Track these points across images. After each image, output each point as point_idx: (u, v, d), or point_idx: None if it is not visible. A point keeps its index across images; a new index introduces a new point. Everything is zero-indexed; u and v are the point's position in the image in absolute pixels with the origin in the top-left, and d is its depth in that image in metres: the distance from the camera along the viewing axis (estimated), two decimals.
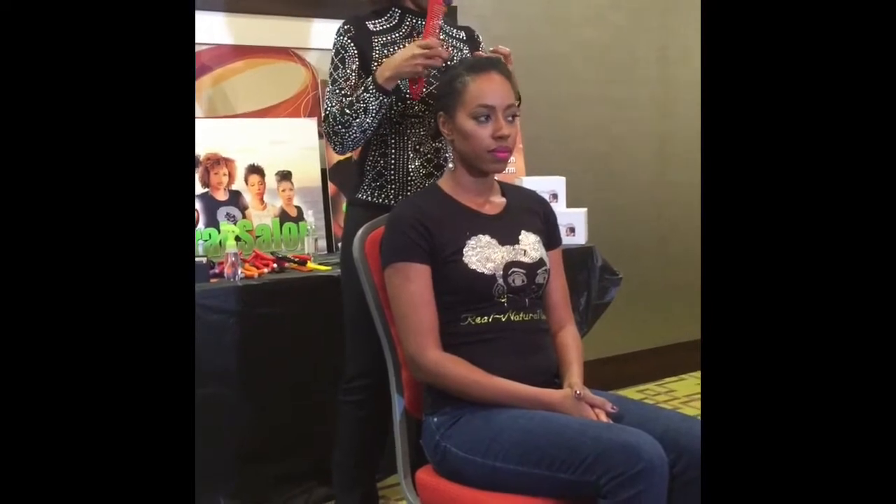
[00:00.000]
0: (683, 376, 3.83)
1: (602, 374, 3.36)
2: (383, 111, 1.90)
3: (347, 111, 1.87)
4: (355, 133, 1.89)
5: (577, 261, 2.75)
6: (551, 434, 1.47)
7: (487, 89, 1.66)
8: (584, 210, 2.83)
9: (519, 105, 1.74)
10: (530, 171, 3.13)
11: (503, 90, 1.68)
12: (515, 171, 3.10)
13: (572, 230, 2.80)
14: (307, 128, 2.76)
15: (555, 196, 2.80)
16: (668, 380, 3.79)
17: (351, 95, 1.91)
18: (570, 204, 2.85)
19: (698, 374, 3.85)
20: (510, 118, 1.68)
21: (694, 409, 3.34)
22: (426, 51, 1.81)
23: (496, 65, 1.72)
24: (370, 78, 1.87)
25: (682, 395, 3.59)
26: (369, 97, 1.85)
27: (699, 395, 3.55)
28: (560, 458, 1.43)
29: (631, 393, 3.56)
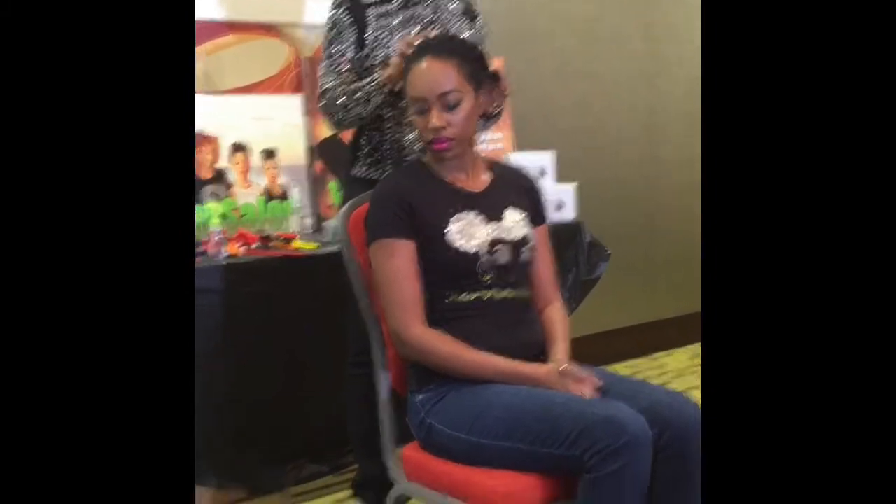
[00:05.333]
0: (673, 351, 3.84)
1: (592, 350, 3.36)
2: (384, 102, 1.90)
3: (350, 98, 1.88)
4: (353, 118, 1.92)
5: (565, 237, 2.74)
6: (535, 409, 1.46)
7: (417, 81, 1.62)
8: (572, 185, 2.82)
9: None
10: (518, 147, 3.11)
11: (433, 78, 1.60)
12: (503, 147, 3.08)
13: (561, 206, 2.79)
14: (291, 105, 2.74)
15: (543, 172, 2.79)
16: (658, 355, 3.80)
17: (349, 73, 1.91)
18: (558, 180, 2.84)
19: (688, 348, 3.86)
20: (451, 105, 1.60)
21: (684, 384, 3.36)
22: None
23: (429, 49, 1.64)
24: (376, 75, 1.87)
25: (672, 369, 3.60)
26: (373, 91, 1.86)
27: (689, 370, 3.57)
28: (544, 433, 1.42)
29: (621, 368, 3.57)
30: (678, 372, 3.56)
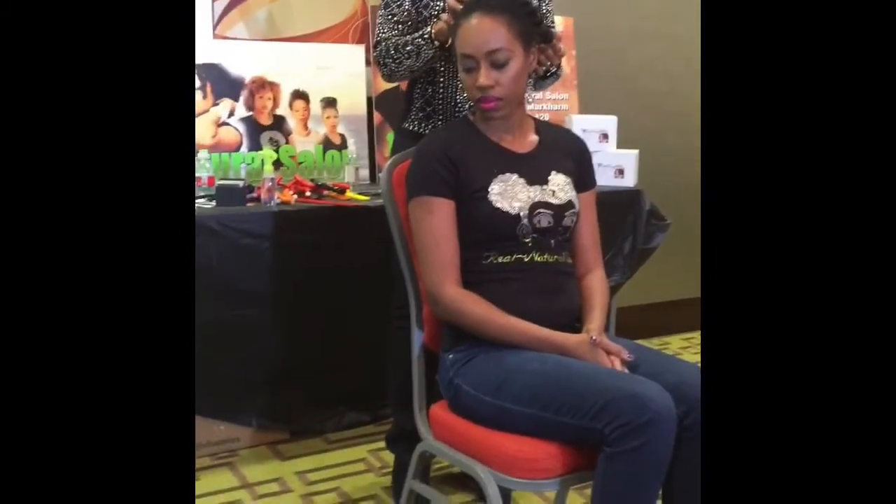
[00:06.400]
0: None
1: (648, 320, 3.31)
2: (435, 56, 1.88)
3: (400, 51, 1.87)
4: (404, 71, 1.91)
5: (624, 204, 2.69)
6: (562, 379, 1.44)
7: (466, 37, 1.59)
8: (634, 152, 2.75)
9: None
10: (584, 109, 3.05)
11: (482, 35, 1.57)
12: (568, 109, 3.02)
13: (621, 172, 2.73)
14: (354, 55, 2.73)
15: (605, 136, 2.73)
16: None
17: (405, 24, 1.91)
18: (622, 144, 2.77)
19: None
20: (499, 64, 1.57)
21: None
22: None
23: (479, 5, 1.60)
24: (428, 28, 1.86)
25: None
26: (423, 45, 1.84)
27: None
28: (568, 403, 1.41)
29: (676, 341, 3.51)
30: None
